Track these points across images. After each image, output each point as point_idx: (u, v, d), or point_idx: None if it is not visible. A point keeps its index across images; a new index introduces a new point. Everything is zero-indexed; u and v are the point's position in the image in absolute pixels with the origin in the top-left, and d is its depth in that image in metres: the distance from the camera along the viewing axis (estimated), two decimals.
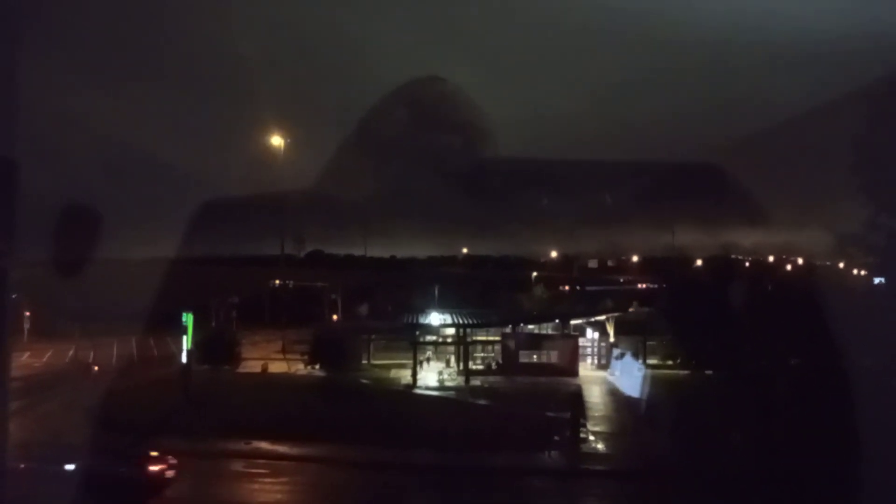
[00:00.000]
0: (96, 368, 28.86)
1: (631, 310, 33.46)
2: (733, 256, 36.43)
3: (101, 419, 19.10)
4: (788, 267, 34.97)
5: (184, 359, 24.38)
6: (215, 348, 27.87)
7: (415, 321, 31.07)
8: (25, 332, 35.59)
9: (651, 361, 29.99)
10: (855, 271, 30.59)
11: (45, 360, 31.87)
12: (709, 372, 27.50)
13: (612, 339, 31.82)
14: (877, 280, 27.73)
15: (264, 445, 19.10)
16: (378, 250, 34.40)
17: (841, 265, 32.91)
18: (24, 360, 30.72)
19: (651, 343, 30.80)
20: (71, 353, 33.03)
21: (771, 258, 35.59)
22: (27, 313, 36.38)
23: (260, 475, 17.33)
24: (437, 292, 34.54)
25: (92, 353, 31.65)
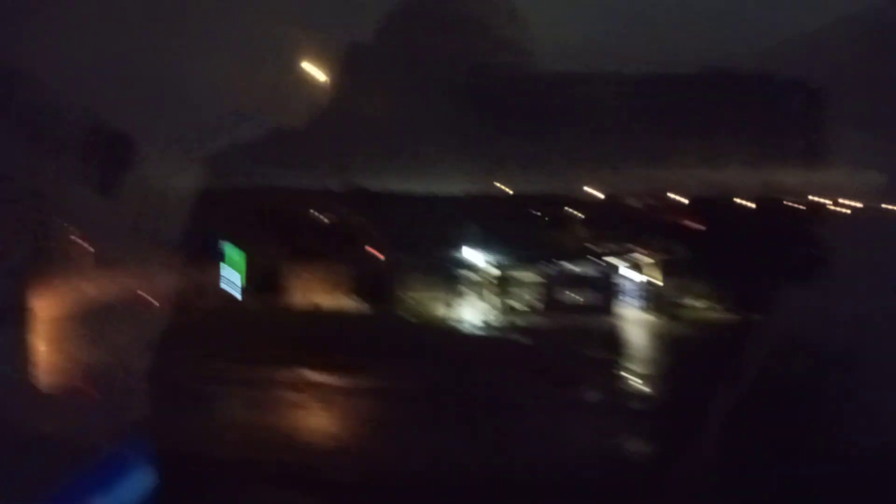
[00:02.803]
0: (148, 298, 29.75)
1: (673, 249, 33.01)
2: (779, 197, 35.37)
3: (150, 346, 19.94)
4: (844, 209, 33.80)
5: (226, 288, 25.04)
6: (260, 279, 28.50)
7: (452, 257, 31.21)
8: (75, 259, 36.70)
9: (697, 304, 29.75)
10: None
11: (97, 289, 32.93)
12: (755, 315, 27.29)
13: (655, 280, 31.56)
14: None
15: (308, 374, 19.80)
16: (416, 185, 34.11)
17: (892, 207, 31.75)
18: (79, 290, 31.85)
19: (697, 284, 30.48)
20: (122, 282, 34.02)
21: (822, 199, 34.33)
22: (79, 242, 37.42)
23: (302, 403, 18.05)
24: (474, 229, 34.42)
25: (142, 284, 32.56)
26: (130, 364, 18.31)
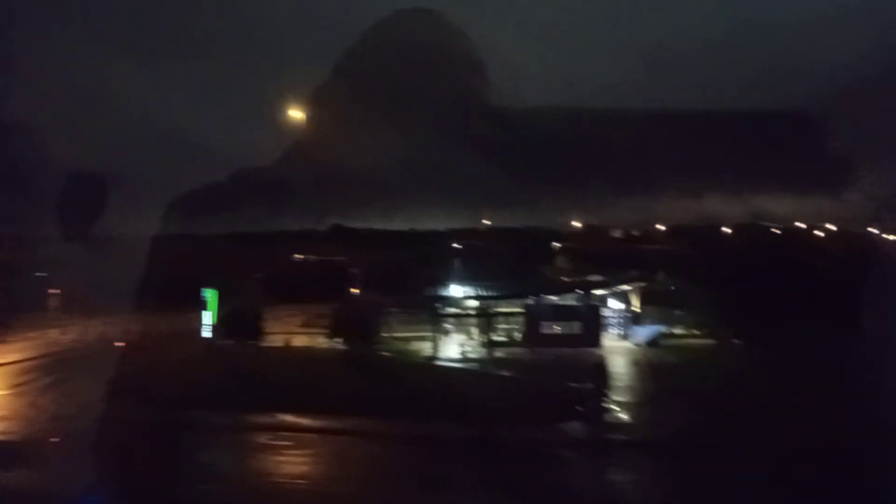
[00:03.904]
0: (122, 344, 29.20)
1: (656, 279, 32.94)
2: (763, 224, 35.59)
3: (125, 393, 19.34)
4: (821, 234, 34.00)
5: (205, 334, 24.67)
6: (239, 323, 28.08)
7: (435, 294, 30.92)
8: (52, 308, 36.22)
9: (677, 331, 29.60)
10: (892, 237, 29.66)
11: (72, 336, 32.32)
12: (736, 341, 27.12)
13: (636, 309, 31.33)
14: None
15: (288, 418, 19.19)
16: (398, 223, 34.15)
17: (876, 231, 31.96)
18: (53, 337, 31.26)
19: (677, 313, 30.32)
20: (97, 329, 33.45)
21: (803, 225, 34.57)
22: (57, 290, 36.97)
23: (285, 448, 17.43)
24: (457, 264, 34.30)
25: (118, 329, 32.01)
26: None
